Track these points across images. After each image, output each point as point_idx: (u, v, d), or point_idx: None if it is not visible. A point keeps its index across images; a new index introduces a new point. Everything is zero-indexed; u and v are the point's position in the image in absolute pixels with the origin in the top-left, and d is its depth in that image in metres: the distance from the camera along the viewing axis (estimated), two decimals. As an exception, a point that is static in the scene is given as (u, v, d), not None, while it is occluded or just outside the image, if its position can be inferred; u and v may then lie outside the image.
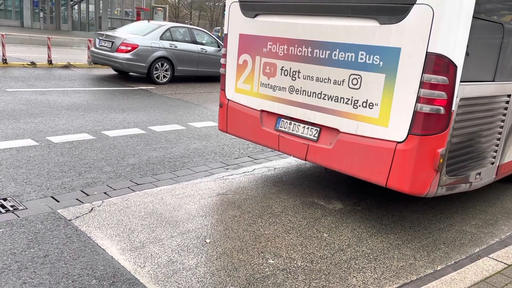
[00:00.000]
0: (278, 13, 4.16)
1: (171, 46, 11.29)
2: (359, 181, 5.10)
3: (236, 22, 4.51)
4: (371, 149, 3.52)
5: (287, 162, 5.62)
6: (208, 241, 3.41)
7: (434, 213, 4.37)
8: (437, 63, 3.13)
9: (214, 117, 7.88)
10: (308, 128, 4.05)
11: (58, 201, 3.86)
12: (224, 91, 4.76)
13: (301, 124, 4.10)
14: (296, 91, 4.07)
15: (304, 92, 4.00)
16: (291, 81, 4.10)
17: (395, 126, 3.36)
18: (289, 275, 3.03)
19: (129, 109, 7.89)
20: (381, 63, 3.39)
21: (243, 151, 5.93)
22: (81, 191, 4.13)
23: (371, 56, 3.45)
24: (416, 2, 3.16)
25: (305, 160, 4.09)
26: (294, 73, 4.06)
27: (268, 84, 4.30)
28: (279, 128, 4.26)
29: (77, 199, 3.95)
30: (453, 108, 3.28)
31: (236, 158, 5.62)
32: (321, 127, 3.93)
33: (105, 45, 11.03)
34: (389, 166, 3.42)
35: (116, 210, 3.78)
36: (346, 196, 4.59)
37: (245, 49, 4.46)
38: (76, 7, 36.55)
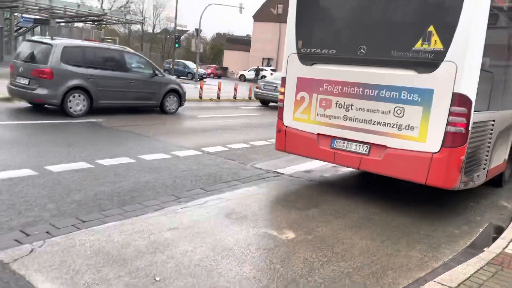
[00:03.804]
0: (334, 63, 5.42)
1: None
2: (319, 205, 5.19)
3: (294, 68, 5.79)
4: (413, 158, 4.84)
5: (240, 193, 5.62)
6: (157, 279, 3.29)
7: (381, 239, 4.51)
8: (460, 99, 4.57)
9: (165, 149, 7.75)
10: (360, 145, 5.27)
11: (-6, 243, 3.59)
12: (282, 119, 6.01)
13: (353, 143, 5.31)
14: (349, 119, 5.30)
15: (357, 119, 5.25)
16: (345, 112, 5.34)
17: (431, 142, 4.73)
18: (242, 310, 2.97)
19: (75, 143, 7.60)
20: (419, 99, 4.78)
21: (195, 183, 5.86)
22: (20, 231, 3.88)
23: (412, 95, 4.82)
24: (444, 60, 4.58)
25: (358, 169, 5.40)
26: (347, 106, 5.31)
27: (324, 114, 5.54)
28: (335, 146, 5.47)
29: (15, 240, 3.69)
30: (469, 129, 4.69)
31: (188, 190, 5.54)
32: (371, 145, 5.17)
33: (270, 88, 17.81)
34: (427, 170, 4.76)
35: (59, 250, 3.57)
36: (297, 226, 4.63)
37: (303, 88, 5.72)
38: (20, 38, 35.29)
